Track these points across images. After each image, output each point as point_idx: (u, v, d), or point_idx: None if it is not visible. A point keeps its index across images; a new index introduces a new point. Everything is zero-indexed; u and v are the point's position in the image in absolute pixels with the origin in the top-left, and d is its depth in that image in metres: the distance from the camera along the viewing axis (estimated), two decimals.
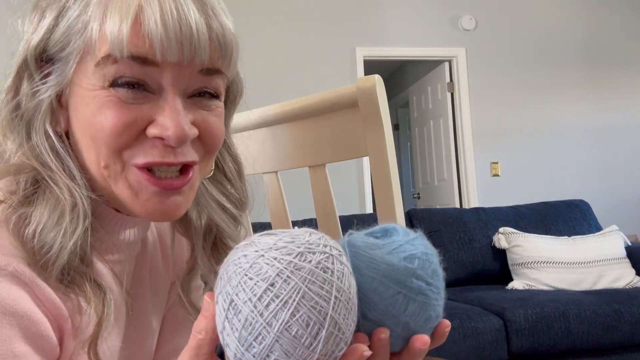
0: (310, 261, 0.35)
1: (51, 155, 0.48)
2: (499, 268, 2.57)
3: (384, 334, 0.39)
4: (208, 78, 0.49)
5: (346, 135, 0.70)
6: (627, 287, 2.35)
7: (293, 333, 0.33)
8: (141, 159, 0.47)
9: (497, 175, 4.17)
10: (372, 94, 0.65)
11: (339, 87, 0.70)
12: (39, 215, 0.45)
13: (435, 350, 1.88)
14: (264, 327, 0.33)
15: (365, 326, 0.39)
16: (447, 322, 0.43)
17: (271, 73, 3.88)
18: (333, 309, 0.34)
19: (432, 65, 4.54)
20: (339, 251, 0.37)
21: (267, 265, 0.34)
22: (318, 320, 0.34)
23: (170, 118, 0.46)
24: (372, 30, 4.12)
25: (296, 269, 0.34)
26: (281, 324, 0.33)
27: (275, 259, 0.34)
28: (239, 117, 0.79)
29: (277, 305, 0.33)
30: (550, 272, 2.39)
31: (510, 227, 2.60)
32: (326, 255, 0.36)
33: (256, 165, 0.81)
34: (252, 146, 0.80)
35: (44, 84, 0.48)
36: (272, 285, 0.34)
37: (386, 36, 4.14)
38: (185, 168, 0.50)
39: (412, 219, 2.74)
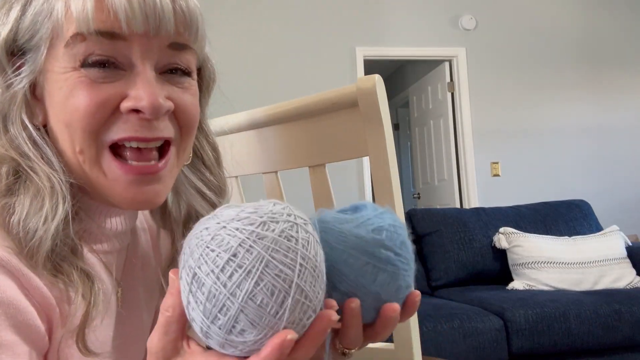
0: (273, 230, 0.34)
1: (29, 145, 0.49)
2: (499, 268, 2.57)
3: (354, 303, 0.40)
4: (177, 53, 0.49)
5: (346, 135, 0.70)
6: (627, 287, 2.35)
7: (258, 302, 0.33)
8: (115, 135, 0.47)
9: (497, 175, 4.17)
10: (372, 94, 0.65)
11: (339, 87, 0.69)
12: (21, 204, 0.46)
13: (435, 350, 1.88)
14: (228, 298, 0.33)
15: (337, 298, 0.39)
16: (417, 292, 0.44)
17: (271, 73, 3.88)
18: (299, 276, 0.34)
19: (432, 65, 4.53)
20: (304, 220, 0.37)
21: (228, 236, 0.34)
22: (283, 288, 0.33)
23: (143, 89, 0.46)
24: (372, 30, 4.12)
25: (259, 239, 0.33)
26: (245, 294, 0.33)
27: (237, 229, 0.34)
28: (238, 117, 0.79)
29: (241, 275, 0.33)
30: (550, 272, 2.39)
31: (510, 227, 2.60)
32: (290, 224, 0.35)
33: (256, 165, 0.81)
34: (251, 146, 0.80)
35: (17, 75, 0.49)
36: (234, 255, 0.33)
37: (386, 36, 4.14)
38: (162, 150, 0.50)
39: (412, 219, 2.74)
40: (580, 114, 4.32)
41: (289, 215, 0.36)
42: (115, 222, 0.55)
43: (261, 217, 0.34)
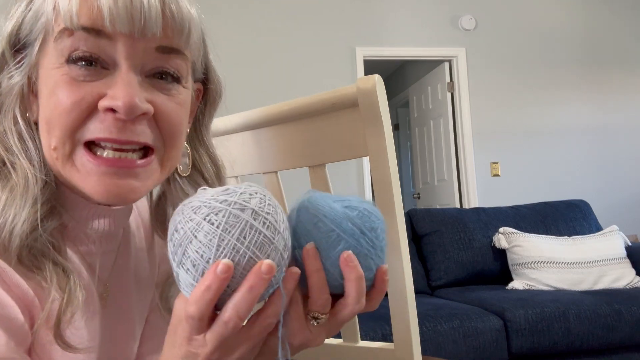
0: (218, 213, 0.41)
1: (16, 139, 0.49)
2: (499, 268, 2.57)
3: (309, 245, 0.45)
4: (166, 57, 0.49)
5: (346, 135, 0.70)
6: (627, 287, 2.35)
7: (196, 249, 0.41)
8: (90, 134, 0.47)
9: (497, 175, 4.18)
10: (372, 94, 0.65)
11: (339, 87, 0.69)
12: None
13: (435, 350, 1.88)
14: (182, 239, 0.41)
15: (300, 254, 0.46)
16: (385, 267, 0.47)
17: (272, 73, 3.89)
18: (217, 250, 0.40)
19: (432, 65, 4.54)
20: (246, 209, 0.42)
21: (199, 202, 0.42)
22: (212, 244, 0.40)
23: (121, 89, 0.46)
24: (372, 30, 4.12)
25: (213, 212, 0.41)
26: (191, 235, 0.41)
27: (204, 203, 0.42)
28: (238, 118, 0.79)
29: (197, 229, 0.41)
30: (550, 272, 2.39)
31: (510, 227, 2.60)
32: (234, 212, 0.41)
33: (256, 165, 0.81)
34: (251, 146, 0.80)
35: (17, 69, 0.50)
36: (201, 220, 0.41)
37: (386, 36, 4.14)
38: (145, 156, 0.50)
39: (412, 219, 2.74)
40: (580, 114, 4.32)
41: (235, 204, 0.41)
42: (102, 224, 0.55)
43: (220, 203, 0.41)
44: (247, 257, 0.40)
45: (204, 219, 0.41)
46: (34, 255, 0.46)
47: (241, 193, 0.42)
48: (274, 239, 0.42)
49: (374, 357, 0.74)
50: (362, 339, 0.77)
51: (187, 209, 0.42)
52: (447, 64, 4.31)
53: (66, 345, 0.47)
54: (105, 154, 0.47)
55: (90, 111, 0.47)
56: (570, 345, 2.01)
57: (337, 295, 0.47)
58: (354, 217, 0.46)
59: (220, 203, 0.41)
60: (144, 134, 0.48)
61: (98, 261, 0.56)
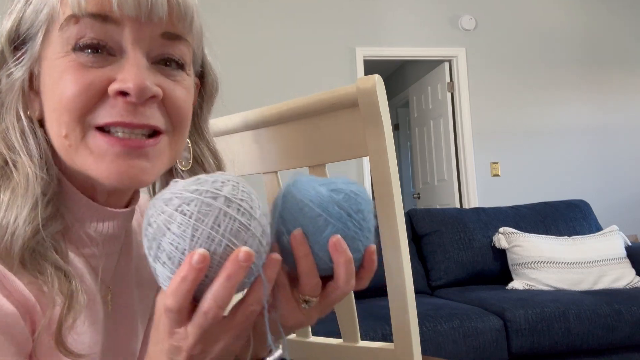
0: (189, 203, 0.40)
1: (18, 136, 0.49)
2: (499, 268, 2.57)
3: (296, 230, 0.44)
4: (171, 43, 0.50)
5: (346, 135, 0.70)
6: (627, 287, 2.35)
7: (170, 240, 0.40)
8: (101, 120, 0.47)
9: (497, 175, 4.18)
10: (372, 94, 0.65)
11: (338, 87, 0.69)
12: (0, 201, 0.46)
13: (435, 350, 1.88)
14: (156, 233, 0.41)
15: (288, 241, 0.45)
16: (372, 247, 0.48)
17: (271, 73, 3.89)
18: (192, 239, 0.40)
19: (432, 65, 4.54)
20: (214, 205, 0.40)
21: (170, 196, 0.41)
22: (186, 234, 0.40)
23: (131, 72, 0.46)
24: (372, 30, 4.12)
25: (185, 203, 0.40)
26: (165, 228, 0.41)
27: (177, 197, 0.41)
28: (238, 118, 0.79)
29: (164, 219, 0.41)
30: (550, 272, 2.39)
31: (510, 227, 2.60)
32: (206, 200, 0.40)
33: (256, 165, 0.81)
34: (251, 146, 0.80)
35: (17, 65, 0.49)
36: (173, 212, 0.41)
37: (386, 36, 4.14)
38: (153, 135, 0.50)
39: (412, 219, 2.74)
40: (580, 114, 4.32)
41: (215, 193, 0.41)
42: (106, 227, 0.54)
43: (191, 193, 0.41)
44: (223, 245, 0.39)
45: (176, 210, 0.40)
46: (35, 259, 0.46)
47: (213, 181, 0.41)
48: (250, 225, 0.41)
49: (374, 357, 0.74)
50: (362, 339, 0.77)
51: (158, 202, 0.41)
52: (447, 64, 4.31)
53: (68, 352, 0.46)
54: (116, 134, 0.48)
55: (99, 97, 0.47)
56: (570, 345, 2.01)
57: (327, 277, 0.47)
58: (340, 200, 0.45)
59: (192, 193, 0.40)
60: (154, 117, 0.49)
61: (101, 264, 0.55)
